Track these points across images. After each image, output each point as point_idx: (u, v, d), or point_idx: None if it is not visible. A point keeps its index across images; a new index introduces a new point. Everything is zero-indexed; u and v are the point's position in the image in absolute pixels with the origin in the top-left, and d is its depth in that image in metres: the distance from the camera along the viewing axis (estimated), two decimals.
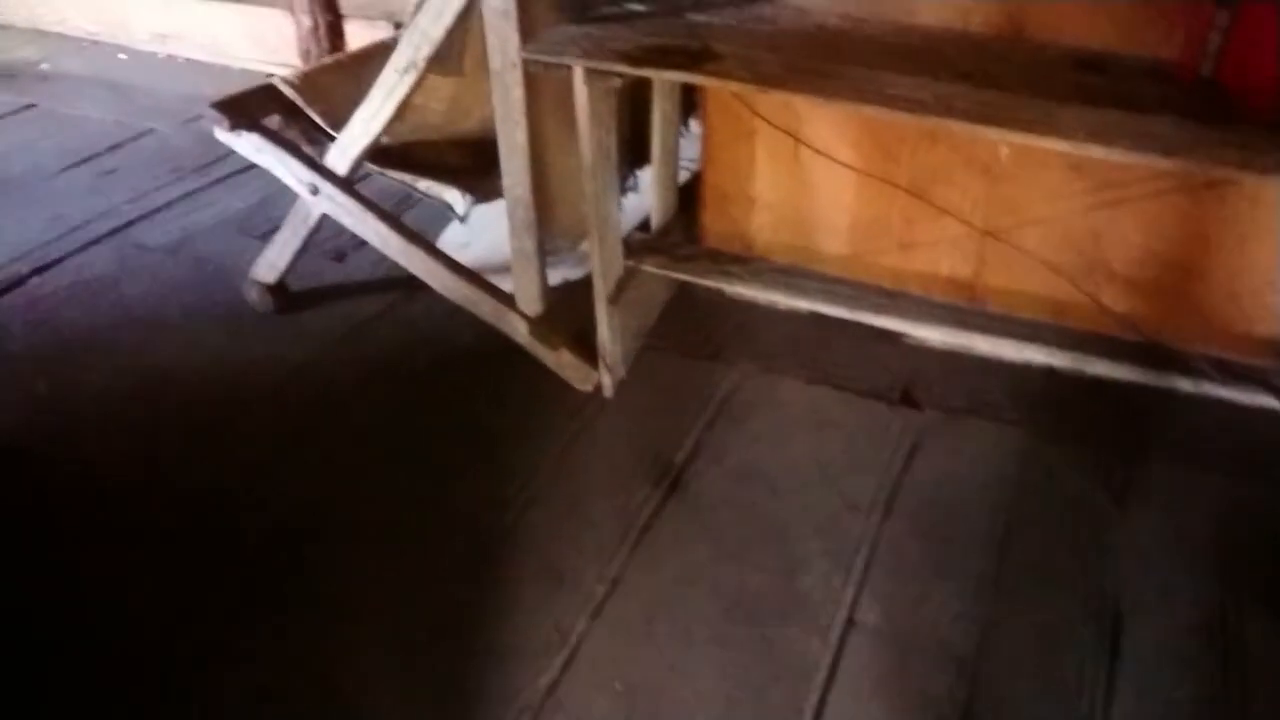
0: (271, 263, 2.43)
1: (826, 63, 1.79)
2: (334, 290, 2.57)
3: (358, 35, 3.32)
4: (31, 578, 1.77)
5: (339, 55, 2.46)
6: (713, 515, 1.88)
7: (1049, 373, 2.17)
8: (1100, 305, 2.08)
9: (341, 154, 2.24)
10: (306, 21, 3.24)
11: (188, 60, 3.76)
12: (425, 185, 2.45)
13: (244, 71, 3.70)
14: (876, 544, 1.82)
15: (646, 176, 2.45)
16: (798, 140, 2.20)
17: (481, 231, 2.67)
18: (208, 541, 1.84)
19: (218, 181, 3.12)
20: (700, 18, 2.02)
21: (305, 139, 2.38)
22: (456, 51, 2.09)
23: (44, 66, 4.03)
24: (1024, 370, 2.19)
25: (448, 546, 1.83)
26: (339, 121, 2.28)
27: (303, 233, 2.36)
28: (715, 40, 1.88)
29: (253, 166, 3.12)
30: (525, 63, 1.87)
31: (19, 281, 2.60)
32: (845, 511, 1.88)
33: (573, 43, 1.87)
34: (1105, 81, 1.76)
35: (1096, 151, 1.54)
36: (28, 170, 3.19)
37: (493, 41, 1.90)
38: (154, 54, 3.93)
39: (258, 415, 2.14)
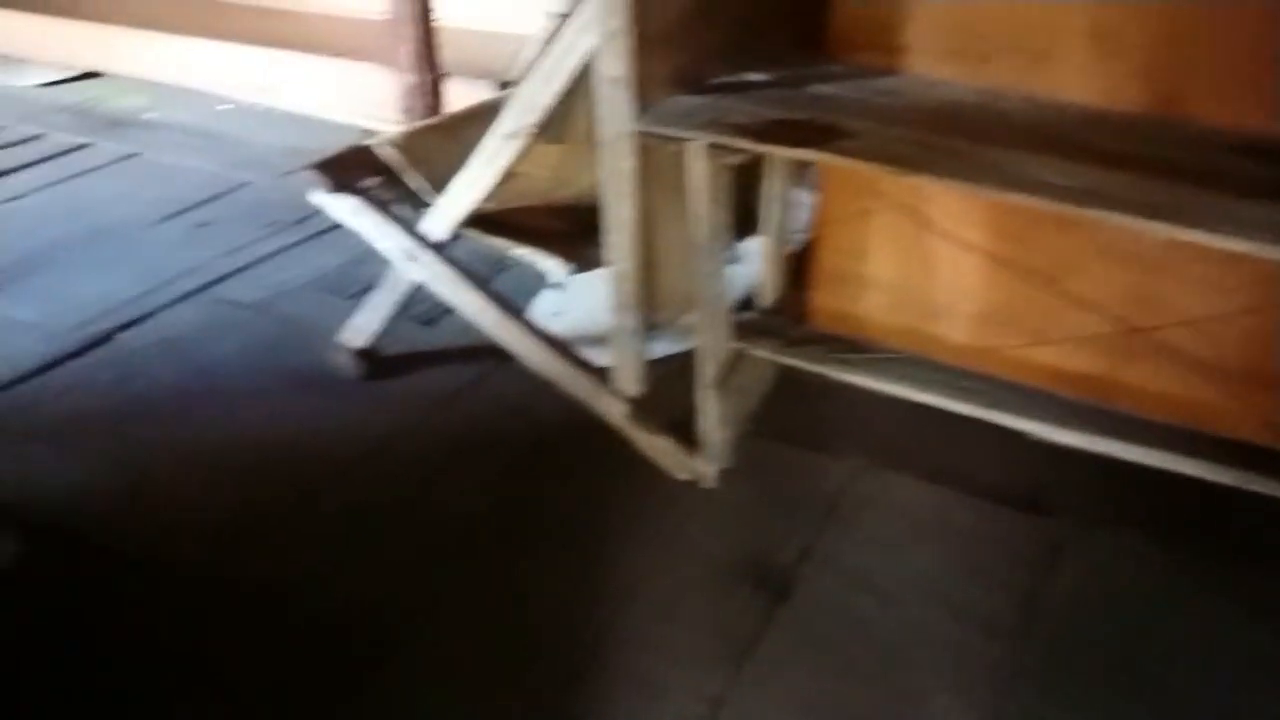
0: (360, 328, 2.35)
1: (963, 143, 1.66)
2: (422, 356, 2.48)
3: (459, 93, 3.27)
4: (80, 676, 1.67)
5: (440, 116, 2.40)
6: (821, 630, 1.72)
7: (1197, 482, 1.97)
8: (1258, 415, 1.88)
9: (439, 221, 2.16)
10: (407, 78, 3.20)
11: (287, 113, 3.77)
12: (521, 252, 2.37)
13: (342, 126, 3.69)
14: (1006, 673, 1.63)
15: (748, 246, 2.33)
16: (919, 219, 2.06)
17: (576, 298, 2.56)
18: (267, 643, 1.71)
19: (309, 238, 3.07)
20: (823, 90, 1.90)
21: (402, 200, 2.31)
22: (563, 118, 1.99)
23: (149, 115, 4.09)
24: (1170, 478, 1.99)
25: (528, 647, 1.69)
26: (438, 185, 2.21)
27: (394, 299, 2.28)
28: (842, 115, 1.76)
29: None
30: (639, 135, 1.76)
31: (106, 337, 2.57)
32: (969, 633, 1.70)
33: (690, 115, 1.76)
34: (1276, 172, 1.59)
35: None
36: (126, 220, 3.19)
37: (604, 111, 1.80)
38: (255, 105, 3.95)
39: (335, 494, 2.04)
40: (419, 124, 2.36)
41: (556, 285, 2.53)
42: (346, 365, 2.38)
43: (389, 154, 2.21)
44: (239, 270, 2.89)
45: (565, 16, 1.85)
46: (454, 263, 2.19)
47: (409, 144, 2.25)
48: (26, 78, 4.42)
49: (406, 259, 2.19)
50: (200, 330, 2.59)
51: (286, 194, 3.39)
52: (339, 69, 3.53)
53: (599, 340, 2.60)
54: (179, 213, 3.25)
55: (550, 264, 2.39)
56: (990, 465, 2.06)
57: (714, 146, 1.70)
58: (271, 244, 3.04)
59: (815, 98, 1.86)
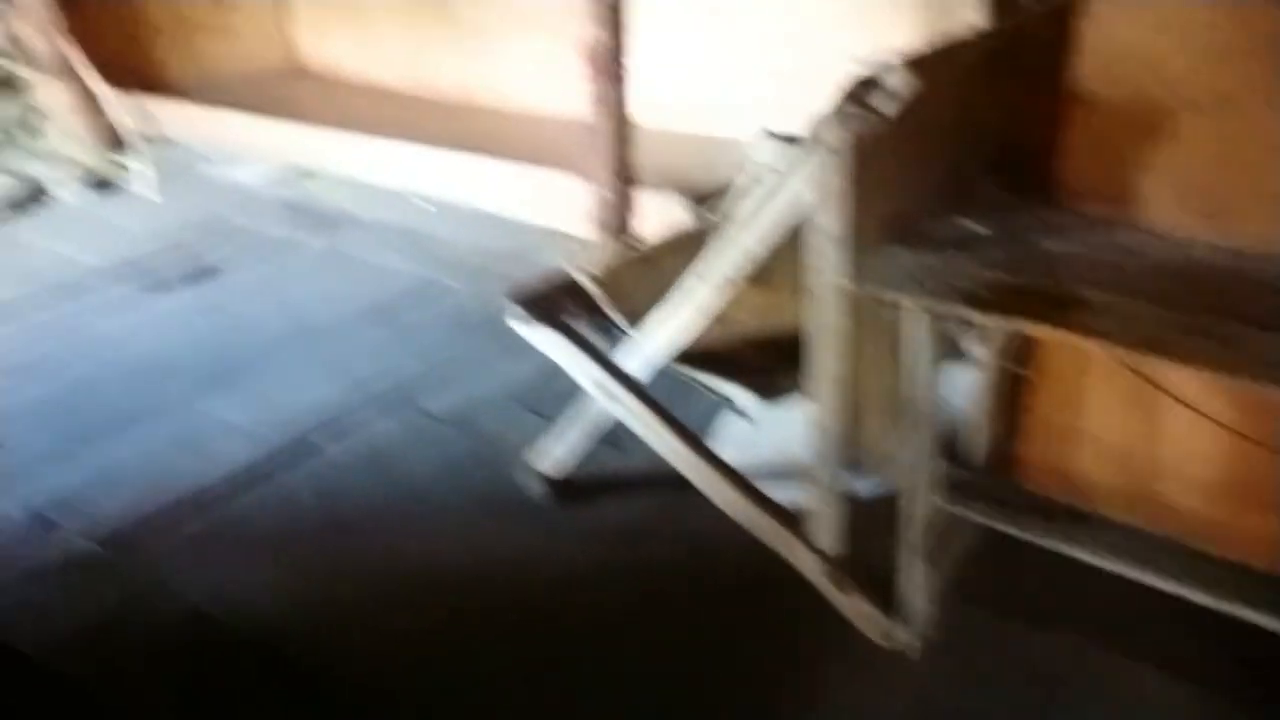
0: (552, 454, 2.35)
1: (1219, 319, 1.51)
2: (610, 482, 2.46)
3: (651, 207, 3.29)
4: None
5: (643, 247, 2.39)
6: None
7: None
8: None
9: (636, 359, 2.14)
10: (600, 190, 3.25)
11: (485, 214, 3.89)
12: (714, 383, 2.33)
13: (537, 228, 3.78)
14: None
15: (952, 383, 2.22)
16: (1146, 376, 1.90)
17: (769, 427, 2.50)
18: None
19: (503, 347, 3.12)
20: (1051, 245, 1.79)
21: (601, 330, 2.31)
22: (770, 264, 1.95)
23: (354, 212, 4.29)
24: None
25: None
26: (637, 318, 2.20)
27: (588, 430, 2.27)
28: (1073, 277, 1.64)
29: None
30: (852, 293, 1.69)
31: (316, 450, 2.65)
32: None
33: (908, 274, 1.68)
34: None
35: None
36: (330, 320, 3.34)
37: (816, 264, 1.74)
38: (455, 205, 4.08)
39: (514, 629, 2.02)
40: (620, 255, 2.36)
41: (750, 419, 2.47)
42: (536, 489, 2.38)
43: (589, 285, 2.21)
44: (435, 378, 2.96)
45: (774, 168, 1.81)
46: (649, 400, 2.16)
47: (611, 277, 2.25)
48: (246, 172, 4.73)
49: (602, 393, 2.17)
50: (399, 444, 2.65)
51: (482, 297, 3.48)
52: (534, 176, 3.61)
53: (790, 475, 2.53)
54: (379, 313, 3.37)
55: (743, 396, 2.35)
56: (1228, 658, 1.85)
57: (935, 314, 1.61)
58: (466, 349, 3.11)
59: (1043, 255, 1.74)
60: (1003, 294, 1.60)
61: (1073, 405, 2.04)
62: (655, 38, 4.02)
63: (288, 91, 5.50)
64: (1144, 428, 1.97)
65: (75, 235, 4.14)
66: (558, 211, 3.63)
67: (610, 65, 3.06)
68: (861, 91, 1.62)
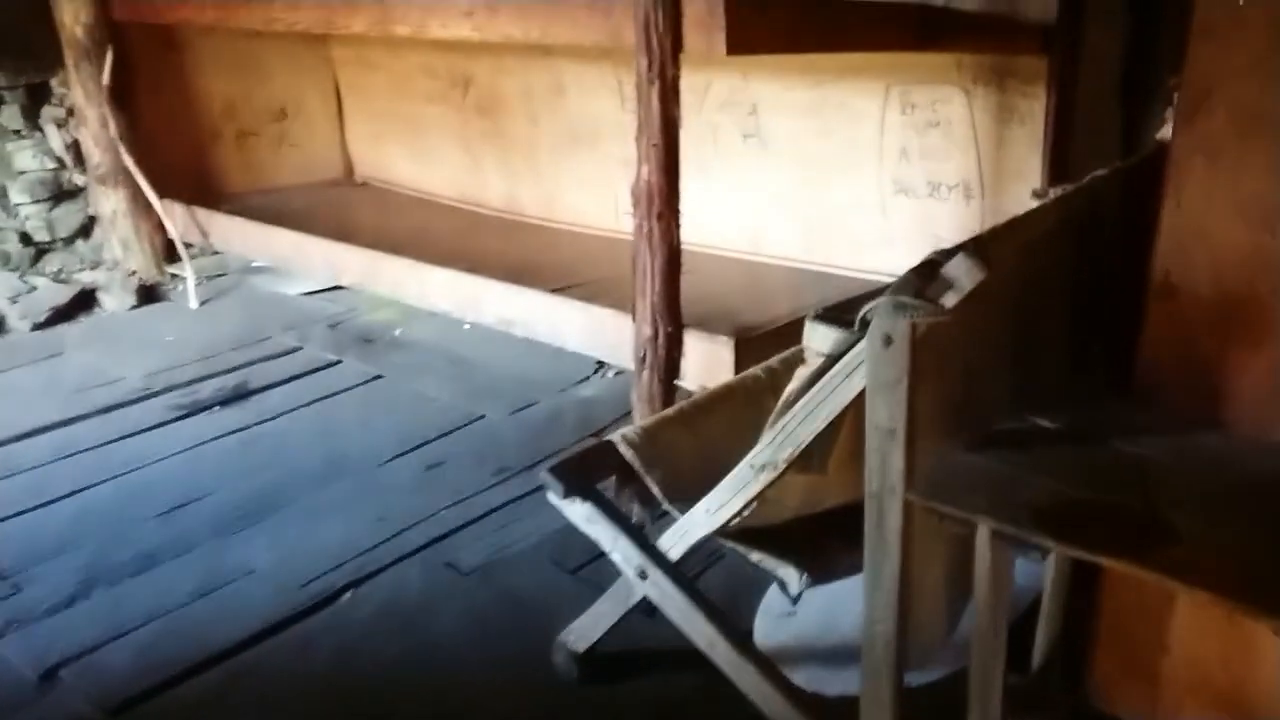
0: (583, 632, 2.21)
1: None
2: (642, 656, 2.29)
3: (698, 348, 3.19)
4: None
5: (683, 405, 2.28)
6: None
7: None
8: None
9: (678, 540, 2.00)
10: (646, 330, 3.15)
11: (525, 339, 3.81)
12: (758, 557, 2.17)
13: (577, 356, 3.69)
14: None
15: None
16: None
17: (818, 603, 2.33)
18: None
19: (536, 489, 3.00)
20: (1130, 448, 1.64)
21: (640, 499, 2.18)
22: (822, 451, 1.82)
23: (397, 332, 4.25)
24: None
25: None
26: (676, 484, 2.07)
27: (621, 610, 2.13)
28: (1159, 492, 1.49)
29: None
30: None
31: (335, 596, 2.54)
32: None
33: (974, 484, 1.54)
34: None
35: None
36: (362, 453, 3.24)
37: (873, 462, 1.60)
38: (498, 330, 4.01)
39: None
40: (659, 416, 2.25)
41: (794, 598, 2.31)
42: (564, 667, 2.23)
43: (627, 453, 2.09)
44: (465, 525, 2.84)
45: (831, 356, 1.69)
46: (685, 585, 2.02)
47: (649, 441, 2.13)
48: (294, 287, 4.73)
49: (637, 574, 2.04)
50: (422, 598, 2.52)
51: (518, 431, 3.38)
52: (581, 311, 3.54)
53: (834, 654, 2.36)
54: (413, 448, 3.28)
55: (789, 574, 2.19)
56: None
57: (1002, 535, 1.46)
58: (499, 494, 2.99)
59: (1122, 462, 1.60)
60: (1079, 514, 1.45)
61: (1154, 613, 1.86)
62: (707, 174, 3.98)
63: (343, 203, 5.55)
64: (1235, 645, 1.78)
65: (116, 347, 4.13)
66: (601, 346, 3.54)
67: (658, 205, 2.99)
68: (921, 279, 1.51)
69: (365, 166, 5.99)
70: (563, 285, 3.95)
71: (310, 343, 4.14)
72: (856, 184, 3.99)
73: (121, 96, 4.74)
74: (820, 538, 2.13)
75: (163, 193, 4.83)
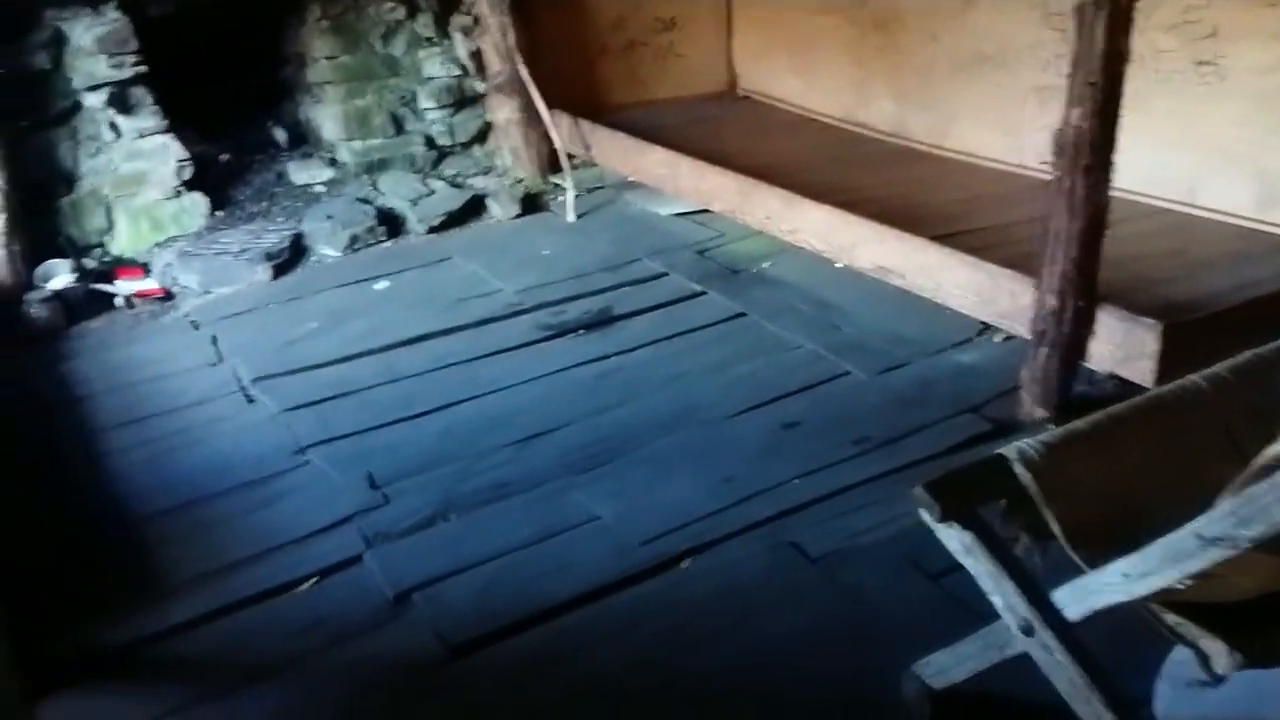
0: (942, 668, 1.90)
1: None
2: (993, 700, 1.96)
3: (1112, 329, 2.68)
4: None
5: (1097, 420, 1.85)
6: None
7: None
8: None
9: (1079, 600, 1.64)
10: (1051, 301, 2.68)
11: (899, 289, 3.43)
12: (1174, 621, 1.74)
13: (958, 315, 3.27)
14: None
15: None
16: None
17: (1238, 685, 1.86)
18: None
19: (900, 468, 2.69)
20: None
21: (1031, 531, 1.81)
22: None
23: (765, 265, 4.02)
24: None
25: None
26: (1082, 524, 1.69)
27: (992, 659, 1.80)
28: None
29: (947, 453, 2.70)
30: None
31: (672, 561, 2.41)
32: None
33: None
34: None
35: None
36: (714, 402, 3.08)
37: None
38: (872, 275, 3.66)
39: None
40: (1062, 432, 1.84)
41: (1219, 678, 1.86)
42: (917, 703, 1.94)
43: (1024, 476, 1.73)
44: (815, 501, 2.59)
45: None
46: (1080, 652, 1.65)
47: (1049, 463, 1.75)
48: (665, 206, 4.63)
49: (1020, 627, 1.69)
50: (761, 583, 2.33)
51: (882, 396, 3.06)
52: (974, 268, 3.10)
53: None
54: (767, 402, 3.06)
55: (1215, 649, 1.75)
56: None
57: None
58: (855, 469, 2.71)
59: None
60: None
61: None
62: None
63: (722, 119, 5.37)
64: None
65: (496, 258, 4.23)
66: (989, 309, 3.10)
67: (1086, 157, 2.49)
68: None
69: (748, 80, 5.75)
70: (949, 231, 3.52)
71: (676, 270, 4.02)
72: None
73: (521, 6, 4.81)
74: (1258, 617, 1.67)
75: (551, 103, 4.89)
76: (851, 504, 2.58)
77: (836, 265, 3.79)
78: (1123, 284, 2.87)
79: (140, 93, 4.28)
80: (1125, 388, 2.64)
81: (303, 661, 2.19)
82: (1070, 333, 2.70)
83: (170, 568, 2.50)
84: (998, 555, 1.72)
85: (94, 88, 4.16)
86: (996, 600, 1.73)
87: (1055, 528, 1.69)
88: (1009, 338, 3.20)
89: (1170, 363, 2.54)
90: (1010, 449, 1.76)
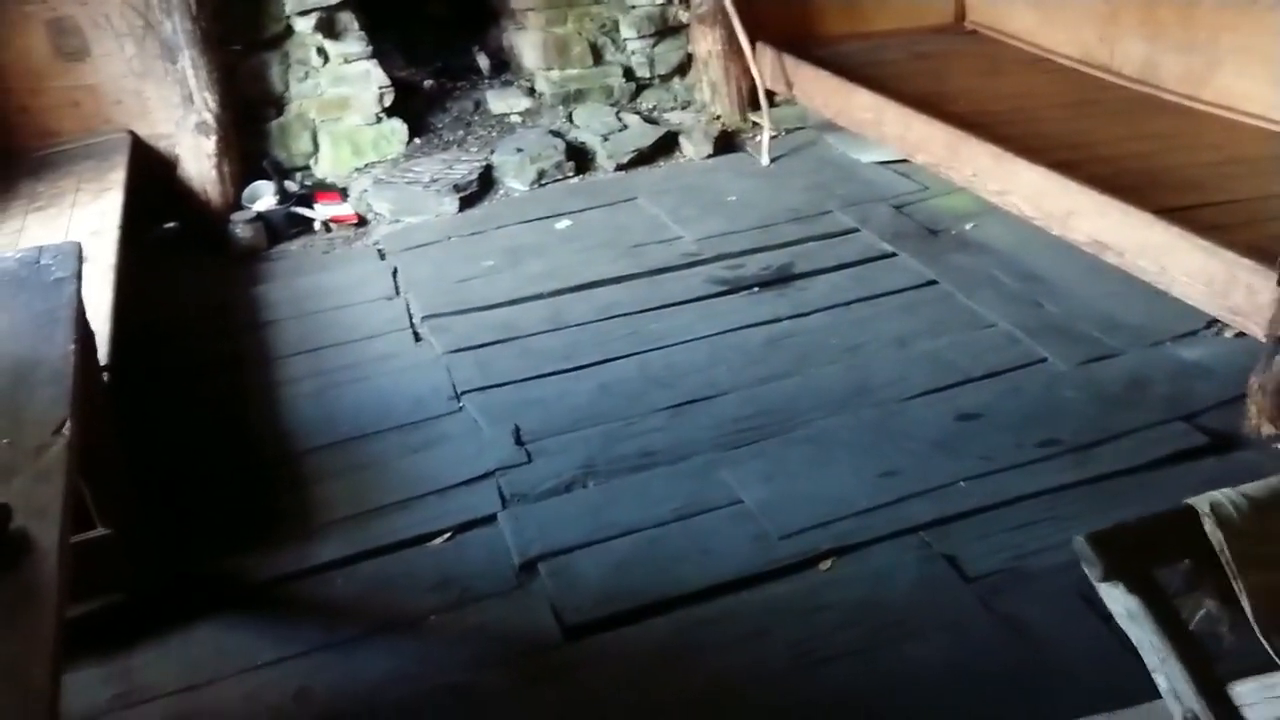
0: None
1: None
2: None
3: None
4: None
5: None
6: None
7: None
8: None
9: (1266, 699, 1.36)
10: None
11: (1117, 268, 3.02)
12: None
13: (1182, 303, 2.84)
14: None
15: None
16: None
17: None
18: None
19: (1089, 479, 2.39)
20: None
21: (1217, 598, 1.52)
22: None
23: (968, 227, 3.67)
24: None
25: None
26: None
27: None
28: None
29: (1148, 468, 2.40)
30: None
31: (811, 561, 2.23)
32: None
33: None
34: None
35: None
36: (890, 381, 2.84)
37: None
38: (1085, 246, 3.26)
39: None
40: (1271, 484, 1.53)
41: None
42: None
43: (1216, 537, 1.45)
44: (983, 509, 2.33)
45: None
46: None
47: (1250, 525, 1.46)
48: (867, 153, 4.31)
49: (1182, 717, 1.43)
50: (908, 601, 2.11)
51: (1083, 392, 2.73)
52: (1207, 253, 2.67)
53: None
54: (946, 387, 2.78)
55: None
56: None
57: None
58: (1037, 476, 2.42)
59: None
60: None
61: None
62: None
63: (944, 56, 4.90)
64: None
65: (682, 201, 4.07)
66: (1219, 301, 2.67)
67: None
68: None
69: (978, 12, 5.23)
70: (1189, 203, 3.06)
71: (869, 225, 3.73)
72: None
73: None
74: None
75: (759, 34, 4.61)
76: (1024, 517, 2.31)
77: (1051, 232, 3.40)
78: None
79: (347, 18, 4.34)
80: None
81: (424, 623, 2.18)
82: None
83: (320, 506, 2.54)
84: (1168, 629, 1.45)
85: (304, 12, 4.24)
86: (1160, 681, 1.46)
87: (1246, 605, 1.41)
88: (1243, 334, 2.76)
89: None
90: (1202, 500, 1.48)
